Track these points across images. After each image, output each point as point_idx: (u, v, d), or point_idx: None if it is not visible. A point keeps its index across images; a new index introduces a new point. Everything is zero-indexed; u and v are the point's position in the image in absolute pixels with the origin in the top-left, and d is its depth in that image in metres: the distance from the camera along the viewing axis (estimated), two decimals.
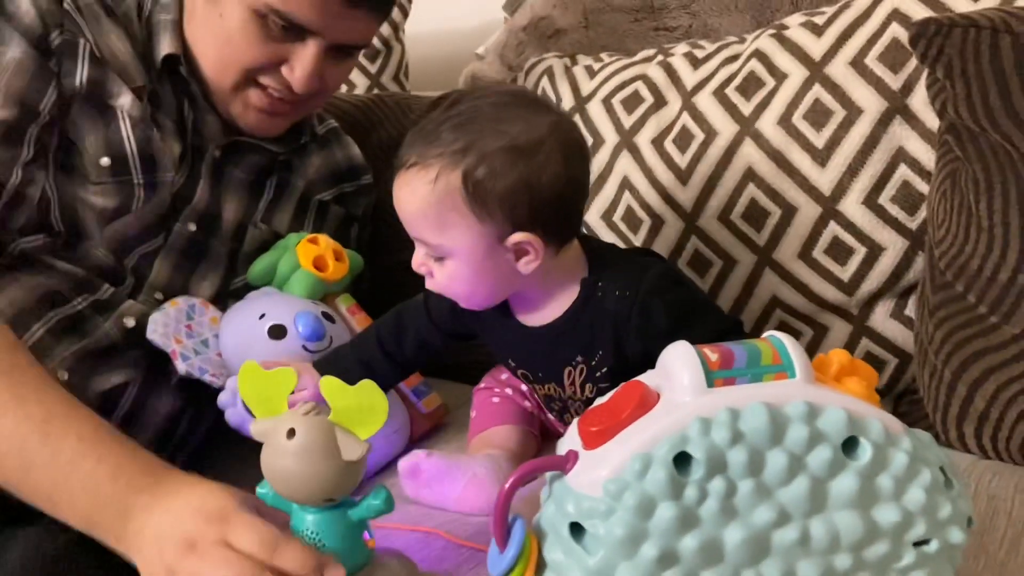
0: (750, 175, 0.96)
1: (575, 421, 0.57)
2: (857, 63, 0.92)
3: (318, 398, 0.64)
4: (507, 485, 0.55)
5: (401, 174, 0.73)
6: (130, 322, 0.90)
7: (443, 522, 0.79)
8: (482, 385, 0.98)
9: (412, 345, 0.88)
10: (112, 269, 0.91)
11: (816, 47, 0.95)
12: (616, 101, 1.08)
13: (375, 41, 1.70)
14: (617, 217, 1.05)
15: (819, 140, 0.93)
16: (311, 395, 0.77)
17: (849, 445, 0.53)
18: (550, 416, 0.92)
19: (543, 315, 0.79)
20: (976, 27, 0.79)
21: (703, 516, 0.52)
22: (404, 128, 1.27)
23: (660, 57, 1.10)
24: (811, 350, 0.93)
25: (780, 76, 0.97)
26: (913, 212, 0.90)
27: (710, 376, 0.54)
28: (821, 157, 0.92)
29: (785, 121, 0.94)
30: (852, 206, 0.91)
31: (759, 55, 0.99)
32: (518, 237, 0.72)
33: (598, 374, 0.79)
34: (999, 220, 0.79)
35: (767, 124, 0.95)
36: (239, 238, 1.03)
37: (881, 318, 0.94)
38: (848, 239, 0.92)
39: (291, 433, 0.58)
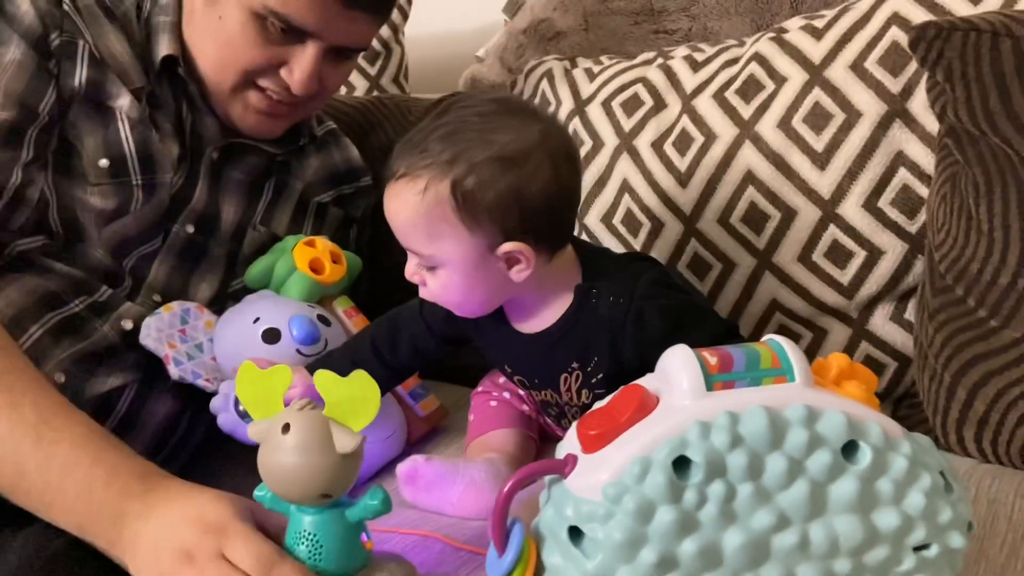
0: (750, 178, 0.96)
1: (574, 425, 0.57)
2: (857, 66, 0.92)
3: (311, 396, 0.64)
4: (506, 488, 0.55)
5: (390, 185, 0.73)
6: (128, 324, 0.90)
7: (441, 526, 0.78)
8: (480, 388, 0.98)
9: (407, 350, 0.87)
10: (110, 271, 0.91)
11: (816, 50, 0.95)
12: (616, 104, 1.08)
13: (375, 43, 1.70)
14: (617, 220, 1.05)
15: (819, 143, 0.92)
16: (304, 392, 0.77)
17: (849, 449, 0.53)
18: (548, 420, 0.92)
19: (538, 322, 0.79)
20: (976, 31, 0.79)
21: (702, 520, 0.52)
22: (404, 130, 1.26)
23: (660, 60, 1.10)
24: (810, 353, 0.93)
25: (780, 79, 0.96)
26: (913, 216, 0.90)
27: (709, 380, 0.54)
28: (821, 160, 0.92)
29: (785, 124, 0.94)
30: (852, 209, 0.91)
31: (759, 58, 0.99)
32: (509, 246, 0.71)
33: (594, 380, 0.78)
34: (999, 224, 0.79)
35: (767, 127, 0.95)
36: (238, 240, 1.02)
37: (880, 322, 0.94)
38: (848, 242, 0.92)
39: (286, 428, 0.58)
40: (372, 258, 1.14)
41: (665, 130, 1.03)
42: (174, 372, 0.88)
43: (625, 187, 1.05)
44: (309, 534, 0.60)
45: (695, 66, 1.06)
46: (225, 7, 0.89)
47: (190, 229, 0.97)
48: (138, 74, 0.92)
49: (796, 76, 0.95)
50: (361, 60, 1.67)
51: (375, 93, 1.70)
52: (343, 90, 1.69)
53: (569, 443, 0.57)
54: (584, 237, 1.08)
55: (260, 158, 1.04)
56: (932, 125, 0.88)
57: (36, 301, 0.85)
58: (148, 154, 0.91)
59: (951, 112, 0.82)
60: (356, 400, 0.60)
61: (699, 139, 1.00)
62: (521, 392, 0.94)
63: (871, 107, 0.91)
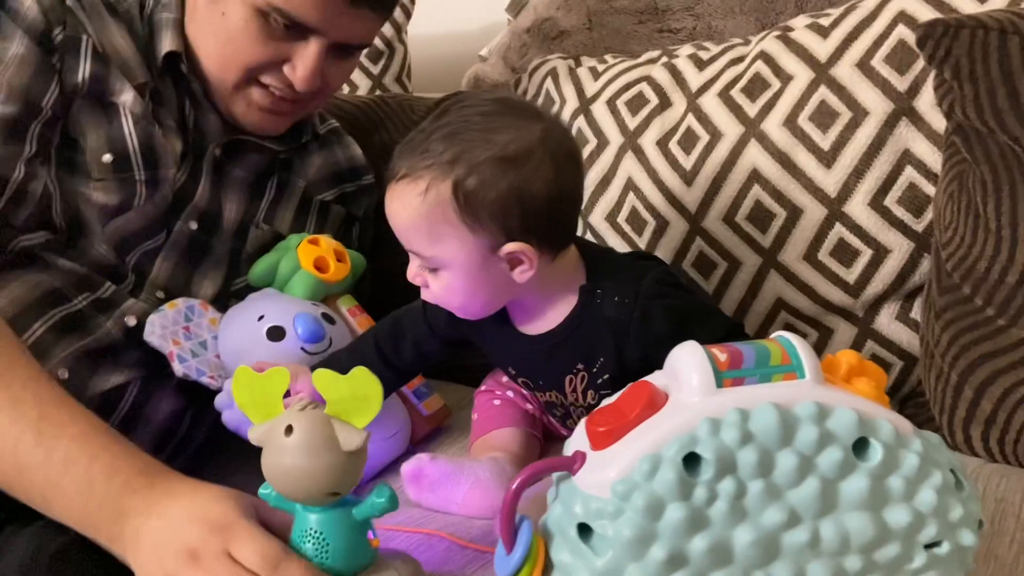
0: (755, 176, 0.95)
1: (583, 421, 0.56)
2: (863, 65, 0.92)
3: (311, 396, 0.63)
4: (515, 485, 0.54)
5: (392, 186, 0.73)
6: (131, 321, 0.90)
7: (446, 525, 0.78)
8: (483, 387, 0.97)
9: (410, 351, 0.87)
10: (113, 267, 0.91)
11: (822, 49, 0.95)
12: (620, 102, 1.08)
13: (377, 42, 1.70)
14: (621, 219, 1.05)
15: (825, 142, 0.92)
16: (304, 393, 0.77)
17: (859, 446, 0.53)
18: (551, 419, 0.91)
19: (542, 323, 0.79)
20: (984, 28, 0.79)
21: (712, 517, 0.51)
22: (406, 129, 1.26)
23: (665, 59, 1.10)
24: (816, 352, 0.92)
25: (786, 78, 0.96)
26: (919, 214, 0.90)
27: (719, 376, 0.54)
28: (827, 159, 0.92)
29: (791, 122, 0.94)
30: (858, 208, 0.91)
31: (764, 57, 0.99)
32: (511, 247, 0.71)
33: (599, 381, 0.78)
34: (1007, 222, 0.79)
35: (772, 125, 0.95)
36: (241, 238, 1.02)
37: (886, 321, 0.94)
38: (854, 241, 0.92)
39: (289, 430, 0.58)
40: (375, 257, 1.14)
41: (670, 128, 1.03)
42: (178, 369, 0.87)
43: (630, 186, 1.04)
44: (316, 532, 0.60)
45: (700, 64, 1.05)
46: (228, 3, 0.89)
47: (193, 226, 0.97)
48: (141, 70, 0.92)
49: (802, 74, 0.95)
50: (364, 59, 1.67)
51: (378, 92, 1.70)
52: (345, 89, 1.68)
53: (577, 440, 0.56)
54: (588, 236, 1.07)
55: (263, 156, 1.04)
56: (939, 123, 0.88)
57: (39, 297, 0.85)
58: (151, 149, 0.91)
59: (959, 110, 0.81)
60: (358, 397, 0.59)
61: (704, 137, 0.99)
62: (525, 391, 0.93)
63: (877, 105, 0.90)
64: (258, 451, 0.61)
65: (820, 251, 0.93)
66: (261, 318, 0.91)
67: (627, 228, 1.04)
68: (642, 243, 1.03)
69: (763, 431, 0.51)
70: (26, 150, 0.84)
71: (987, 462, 0.84)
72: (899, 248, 0.91)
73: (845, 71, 0.93)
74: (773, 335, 0.57)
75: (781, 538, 0.52)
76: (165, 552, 0.60)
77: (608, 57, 1.18)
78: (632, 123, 1.06)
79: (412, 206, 0.71)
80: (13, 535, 0.74)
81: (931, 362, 0.87)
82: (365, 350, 0.88)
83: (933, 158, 0.89)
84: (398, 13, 1.70)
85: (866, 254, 0.91)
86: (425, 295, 0.77)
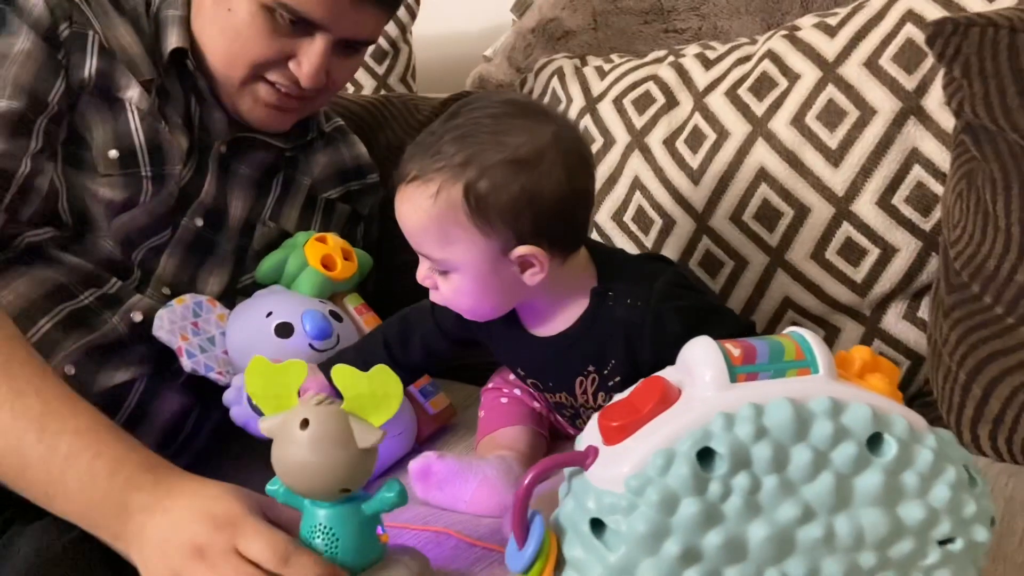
0: (762, 175, 0.95)
1: (595, 416, 0.56)
2: (871, 63, 0.92)
3: (326, 391, 0.63)
4: (527, 480, 0.54)
5: (402, 189, 0.72)
6: (137, 316, 0.89)
7: (454, 522, 0.78)
8: (490, 385, 0.97)
9: (418, 350, 0.87)
10: (119, 263, 0.90)
11: (829, 48, 0.95)
12: (627, 101, 1.08)
13: (382, 42, 1.70)
14: (628, 217, 1.05)
15: (832, 140, 0.92)
16: (319, 388, 0.76)
17: (874, 442, 0.52)
18: (559, 418, 0.91)
19: (552, 326, 0.78)
20: (994, 26, 0.79)
21: (727, 512, 0.51)
22: (411, 128, 1.27)
23: (671, 58, 1.10)
24: None
25: (793, 77, 0.96)
26: (927, 213, 0.90)
27: (733, 371, 0.54)
28: (834, 157, 0.92)
29: (798, 121, 0.94)
30: (865, 207, 0.91)
31: (772, 56, 0.99)
32: (522, 250, 0.70)
33: (611, 383, 0.78)
34: (1016, 220, 0.79)
35: (780, 124, 0.95)
36: (246, 235, 1.02)
37: (893, 320, 0.94)
38: (861, 240, 0.91)
39: (304, 423, 0.58)
40: (380, 255, 1.14)
41: (677, 127, 1.03)
42: (187, 364, 0.87)
43: (636, 184, 1.04)
44: (325, 527, 0.60)
45: (707, 64, 1.05)
46: (234, 0, 0.89)
47: (199, 222, 0.97)
48: (147, 66, 0.92)
49: (809, 73, 0.95)
50: (368, 59, 1.67)
51: (382, 92, 1.70)
52: (350, 88, 1.69)
53: (590, 435, 0.56)
54: (595, 234, 1.07)
55: (268, 153, 1.04)
56: (947, 122, 0.88)
57: (45, 293, 0.84)
58: (157, 145, 0.91)
59: (968, 108, 0.81)
60: (377, 395, 0.59)
61: (711, 136, 0.99)
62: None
63: (885, 104, 0.90)
64: (264, 450, 0.61)
65: (827, 250, 0.93)
66: (269, 314, 0.90)
67: (634, 227, 1.04)
68: (649, 242, 1.03)
69: (777, 426, 0.51)
70: (32, 145, 0.83)
71: (995, 461, 0.84)
72: (907, 247, 0.91)
73: (853, 70, 0.92)
74: (786, 330, 0.57)
75: (795, 534, 0.51)
76: (170, 549, 0.60)
77: (615, 56, 1.18)
78: (639, 122, 1.06)
79: (423, 208, 0.70)
80: (17, 533, 0.74)
81: (939, 361, 0.87)
82: (373, 348, 0.87)
83: (941, 157, 0.89)
84: (402, 13, 1.70)
85: (873, 253, 0.91)
86: (434, 297, 0.76)
